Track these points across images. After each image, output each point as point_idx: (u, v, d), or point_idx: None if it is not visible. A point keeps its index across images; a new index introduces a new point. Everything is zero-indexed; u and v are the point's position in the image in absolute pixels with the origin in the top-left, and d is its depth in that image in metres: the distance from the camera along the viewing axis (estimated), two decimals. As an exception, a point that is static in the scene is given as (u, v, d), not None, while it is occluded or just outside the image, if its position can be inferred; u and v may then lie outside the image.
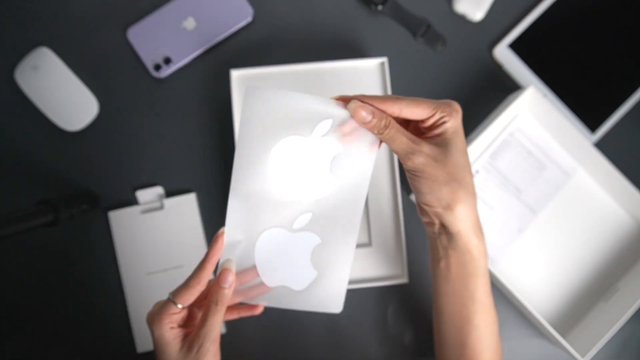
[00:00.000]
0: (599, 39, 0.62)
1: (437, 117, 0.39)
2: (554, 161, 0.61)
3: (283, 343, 0.59)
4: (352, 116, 0.38)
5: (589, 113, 0.61)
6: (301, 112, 0.39)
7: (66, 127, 0.60)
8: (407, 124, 0.43)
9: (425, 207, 0.41)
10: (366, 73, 0.59)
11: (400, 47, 0.62)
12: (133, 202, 0.60)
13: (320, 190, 0.40)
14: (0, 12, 0.62)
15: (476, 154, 0.61)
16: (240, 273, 0.42)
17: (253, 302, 0.43)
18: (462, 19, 0.63)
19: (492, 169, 0.61)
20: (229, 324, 0.59)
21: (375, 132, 0.39)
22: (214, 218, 0.60)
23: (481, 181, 0.60)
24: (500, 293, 0.60)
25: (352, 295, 0.59)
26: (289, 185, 0.40)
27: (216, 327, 0.40)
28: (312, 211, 0.41)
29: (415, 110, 0.39)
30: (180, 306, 0.41)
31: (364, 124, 0.38)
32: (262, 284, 0.42)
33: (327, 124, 0.39)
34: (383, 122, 0.38)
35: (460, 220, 0.40)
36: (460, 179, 0.39)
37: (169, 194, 0.60)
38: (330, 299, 0.42)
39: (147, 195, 0.60)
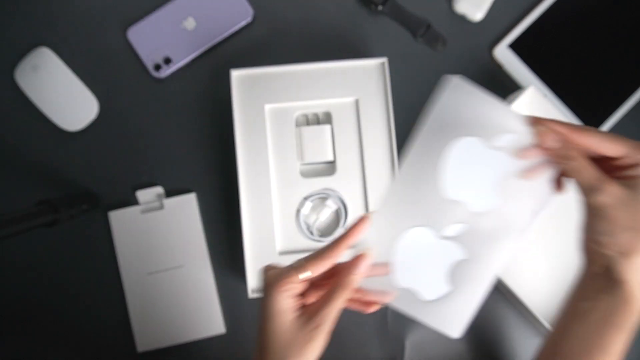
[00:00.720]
0: (599, 39, 0.62)
1: (633, 158, 0.37)
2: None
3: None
4: (538, 139, 0.37)
5: (589, 113, 0.61)
6: (489, 118, 0.37)
7: (66, 127, 0.60)
8: (594, 160, 0.39)
9: (596, 247, 0.38)
10: (366, 73, 0.59)
11: (400, 47, 0.63)
12: (133, 202, 0.60)
13: (482, 203, 0.38)
14: (0, 11, 0.62)
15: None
16: (373, 264, 0.39)
17: (375, 297, 0.40)
18: (462, 19, 0.63)
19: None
20: (231, 323, 0.59)
21: (559, 160, 0.37)
22: (214, 218, 0.60)
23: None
24: (500, 293, 0.60)
25: (352, 295, 0.59)
26: (455, 185, 0.38)
27: (336, 309, 0.37)
28: (467, 223, 0.38)
29: (609, 146, 0.37)
30: (306, 274, 0.38)
31: (548, 150, 0.37)
32: (388, 281, 0.40)
33: (509, 138, 0.37)
34: (569, 152, 0.36)
35: (635, 270, 0.36)
36: None
37: (169, 194, 0.60)
38: (453, 321, 0.39)
39: (147, 195, 0.60)
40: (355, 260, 0.38)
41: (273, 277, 0.38)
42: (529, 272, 0.60)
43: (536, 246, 0.60)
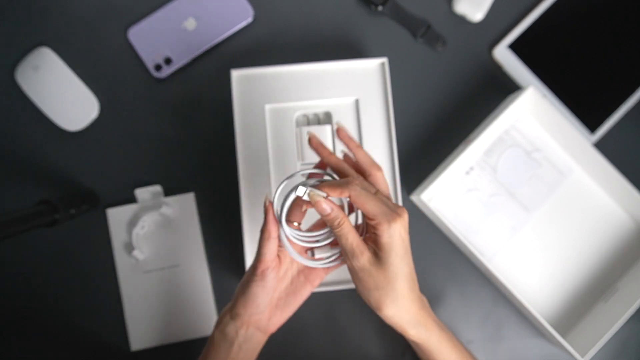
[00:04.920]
0: (598, 40, 0.62)
1: (377, 222, 0.41)
2: (550, 161, 0.61)
3: (283, 343, 0.59)
4: (314, 205, 0.41)
5: (588, 113, 0.61)
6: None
7: (67, 127, 0.60)
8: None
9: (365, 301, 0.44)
10: (366, 73, 0.60)
11: (401, 48, 0.63)
12: (133, 201, 0.60)
13: None
14: (1, 11, 0.62)
15: (476, 154, 0.61)
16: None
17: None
18: (462, 20, 0.63)
19: (486, 165, 0.61)
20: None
21: (329, 224, 0.42)
22: (213, 218, 0.60)
23: (475, 178, 0.60)
24: (500, 293, 0.60)
25: (352, 295, 0.59)
26: None
27: (263, 251, 0.44)
28: None
29: (364, 207, 0.41)
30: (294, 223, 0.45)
31: (323, 215, 0.41)
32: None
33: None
34: (337, 221, 0.41)
35: (389, 318, 0.43)
36: (387, 288, 0.42)
37: (168, 193, 0.60)
38: None
39: (146, 193, 0.60)
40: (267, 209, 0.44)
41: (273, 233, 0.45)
42: (529, 272, 0.60)
43: (536, 246, 0.60)
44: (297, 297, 0.47)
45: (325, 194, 0.41)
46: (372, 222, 0.41)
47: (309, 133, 0.45)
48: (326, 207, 0.41)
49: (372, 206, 0.41)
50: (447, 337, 0.47)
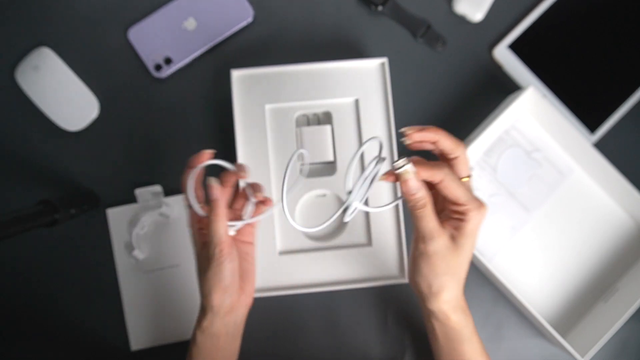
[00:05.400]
0: (598, 40, 0.62)
1: (467, 209, 0.41)
2: (550, 161, 0.61)
3: (282, 342, 0.59)
4: (402, 182, 0.40)
5: (588, 113, 0.61)
6: None
7: (67, 127, 0.60)
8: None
9: (416, 285, 0.45)
10: (366, 73, 0.60)
11: (401, 48, 0.63)
12: (133, 201, 0.60)
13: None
14: (1, 11, 0.62)
15: (476, 154, 0.61)
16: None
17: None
18: (462, 20, 0.63)
19: (486, 165, 0.61)
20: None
21: (413, 202, 0.40)
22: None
23: (475, 178, 0.61)
24: (500, 293, 0.60)
25: (352, 295, 0.60)
26: None
27: (217, 234, 0.44)
28: None
29: (454, 193, 0.40)
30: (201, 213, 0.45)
31: (408, 193, 0.40)
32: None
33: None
34: (422, 202, 0.40)
35: (441, 302, 0.44)
36: (456, 272, 0.43)
37: (168, 193, 0.60)
38: None
39: (146, 193, 0.60)
40: (209, 190, 0.44)
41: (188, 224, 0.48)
42: (528, 272, 0.60)
43: (536, 246, 0.60)
44: (249, 260, 0.49)
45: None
46: (461, 208, 0.41)
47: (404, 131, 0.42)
48: (415, 185, 0.40)
49: (462, 193, 0.41)
50: (476, 330, 0.48)
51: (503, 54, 0.62)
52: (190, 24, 0.62)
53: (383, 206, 0.43)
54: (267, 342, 0.59)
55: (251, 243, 0.50)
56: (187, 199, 0.45)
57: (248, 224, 0.49)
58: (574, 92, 0.62)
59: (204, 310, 0.46)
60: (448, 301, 0.44)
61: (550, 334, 0.54)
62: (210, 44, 0.61)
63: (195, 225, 0.47)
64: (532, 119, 0.61)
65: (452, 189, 0.40)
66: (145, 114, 0.62)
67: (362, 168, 0.57)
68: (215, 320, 0.46)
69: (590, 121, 0.61)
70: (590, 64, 0.62)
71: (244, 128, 0.59)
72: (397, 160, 0.40)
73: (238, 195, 0.50)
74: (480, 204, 0.41)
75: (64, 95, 0.60)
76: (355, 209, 0.41)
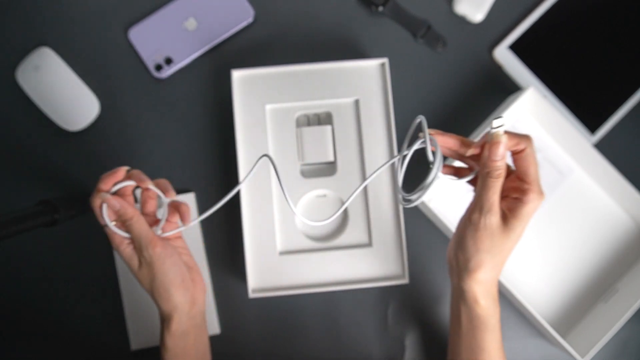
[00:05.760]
0: (599, 40, 0.62)
1: (530, 189, 0.40)
2: (551, 161, 0.61)
3: (282, 343, 0.59)
4: (491, 145, 0.39)
5: (588, 114, 0.61)
6: None
7: (67, 127, 0.60)
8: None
9: (454, 261, 0.44)
10: (366, 74, 0.60)
11: (401, 48, 0.63)
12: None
13: None
14: (2, 11, 0.62)
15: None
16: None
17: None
18: (462, 20, 0.63)
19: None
20: (226, 324, 0.59)
21: (489, 170, 0.40)
22: (213, 218, 0.60)
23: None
24: (500, 293, 0.60)
25: (352, 295, 0.60)
26: None
27: (141, 234, 0.45)
28: None
29: (529, 168, 0.40)
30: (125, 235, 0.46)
31: (492, 158, 0.39)
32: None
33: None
34: (499, 171, 0.40)
35: (474, 282, 0.43)
36: (498, 254, 0.42)
37: (169, 193, 0.60)
38: None
39: (148, 195, 0.60)
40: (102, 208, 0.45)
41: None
42: (528, 273, 0.60)
43: (536, 247, 0.60)
44: (184, 253, 0.49)
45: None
46: (524, 186, 0.40)
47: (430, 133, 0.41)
48: (502, 152, 0.39)
49: (535, 170, 0.40)
50: (500, 324, 0.47)
51: (503, 55, 0.62)
52: (191, 24, 0.62)
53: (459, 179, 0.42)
54: (267, 342, 0.59)
55: (179, 237, 0.50)
56: (101, 221, 0.45)
57: (166, 220, 0.48)
58: (574, 92, 0.62)
59: (167, 315, 0.47)
60: (482, 282, 0.43)
61: (550, 335, 0.54)
62: (211, 44, 0.61)
63: (121, 244, 0.46)
64: (533, 120, 0.61)
65: (528, 163, 0.40)
66: (145, 114, 0.62)
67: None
68: (182, 318, 0.46)
69: (591, 122, 0.61)
70: (591, 65, 0.62)
71: (244, 128, 0.59)
72: (497, 118, 0.39)
73: (145, 199, 0.49)
74: (542, 191, 0.41)
75: (64, 95, 0.60)
76: (435, 177, 0.40)
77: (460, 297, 0.45)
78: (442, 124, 0.62)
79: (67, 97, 0.60)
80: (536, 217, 0.60)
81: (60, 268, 0.60)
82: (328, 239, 0.58)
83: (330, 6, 0.63)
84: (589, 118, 0.61)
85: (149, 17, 0.62)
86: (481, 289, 0.44)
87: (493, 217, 0.41)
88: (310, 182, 0.58)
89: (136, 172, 0.46)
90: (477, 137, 0.57)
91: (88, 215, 0.59)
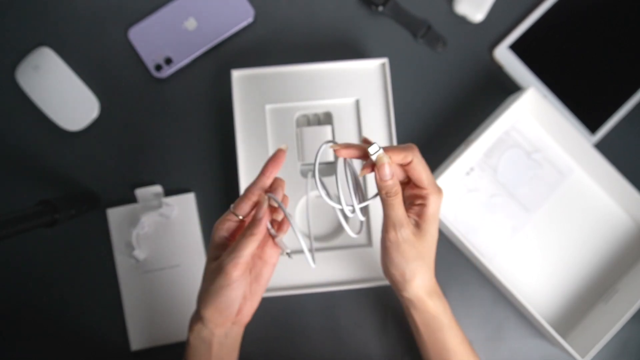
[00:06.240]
0: (599, 41, 0.62)
1: (428, 191, 0.43)
2: (551, 161, 0.61)
3: (282, 343, 0.59)
4: (377, 168, 0.41)
5: (589, 114, 0.61)
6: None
7: (67, 127, 0.60)
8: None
9: (390, 275, 0.46)
10: (367, 74, 0.59)
11: (401, 48, 0.63)
12: (133, 201, 0.60)
13: None
14: (1, 11, 0.62)
15: (477, 155, 0.61)
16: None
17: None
18: (462, 20, 0.63)
19: (486, 166, 0.61)
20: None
21: (384, 192, 0.42)
22: (213, 218, 0.60)
23: (475, 178, 0.60)
24: (500, 293, 0.60)
25: (352, 296, 0.59)
26: None
27: (243, 252, 0.41)
28: None
29: (421, 175, 0.42)
30: (239, 217, 0.43)
31: (382, 180, 0.41)
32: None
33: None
34: (395, 189, 0.42)
35: (415, 288, 0.45)
36: (425, 257, 0.44)
37: (168, 193, 0.60)
38: None
39: (146, 193, 0.60)
40: (258, 207, 0.42)
41: (216, 222, 0.44)
42: (528, 273, 0.60)
43: (536, 247, 0.60)
44: (261, 283, 0.45)
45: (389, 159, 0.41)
46: (423, 192, 0.43)
47: (332, 146, 0.42)
48: (389, 172, 0.41)
49: (427, 175, 0.42)
50: (454, 316, 0.49)
51: (503, 55, 0.62)
52: (191, 24, 0.62)
53: (367, 200, 0.44)
54: (267, 342, 0.59)
55: (273, 265, 0.46)
56: (257, 212, 0.42)
57: (274, 246, 0.45)
58: (574, 92, 0.62)
59: (196, 313, 0.44)
60: (422, 286, 0.45)
61: (551, 335, 0.54)
62: (211, 44, 0.61)
63: (227, 229, 0.43)
64: (533, 120, 0.61)
65: (419, 170, 0.42)
66: (145, 114, 0.62)
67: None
68: (203, 330, 0.44)
69: (591, 122, 0.61)
70: (591, 65, 0.62)
71: (244, 128, 0.59)
72: (371, 145, 0.41)
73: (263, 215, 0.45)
74: (439, 189, 0.44)
75: (64, 95, 0.60)
76: (353, 211, 0.43)
77: (410, 306, 0.47)
78: (443, 124, 0.62)
79: (67, 97, 0.60)
80: (536, 217, 0.60)
81: (60, 268, 0.60)
82: (328, 239, 0.58)
83: (330, 6, 0.63)
84: (589, 118, 0.61)
85: (149, 17, 0.62)
86: (424, 291, 0.46)
87: (406, 229, 0.43)
88: (310, 182, 0.58)
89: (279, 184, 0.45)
90: (477, 137, 0.57)
91: (88, 215, 0.59)
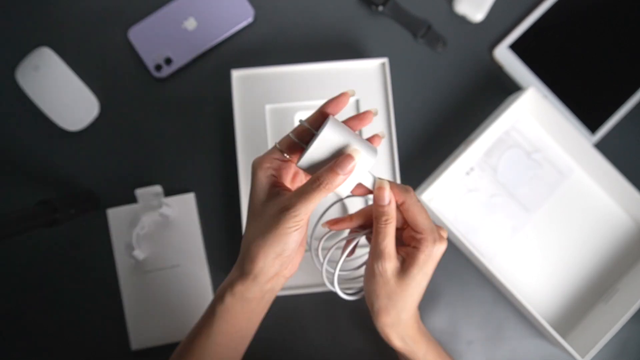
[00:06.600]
0: (599, 40, 0.62)
1: (424, 237, 0.40)
2: (551, 161, 0.61)
3: (282, 342, 0.59)
4: (376, 190, 0.39)
5: (589, 114, 0.61)
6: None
7: (67, 127, 0.60)
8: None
9: (368, 302, 0.44)
10: (367, 73, 0.59)
11: (401, 48, 0.63)
12: (133, 201, 0.60)
13: None
14: (2, 12, 0.62)
15: (477, 155, 0.61)
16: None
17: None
18: (462, 20, 0.63)
19: (486, 166, 0.61)
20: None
21: (379, 216, 0.40)
22: (213, 218, 0.60)
23: (475, 178, 0.60)
24: (500, 293, 0.60)
25: (352, 296, 0.60)
26: None
27: (311, 202, 0.38)
28: None
29: (415, 218, 0.40)
30: (285, 156, 0.41)
31: (379, 203, 0.40)
32: None
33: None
34: (389, 217, 0.40)
35: (381, 324, 0.43)
36: (399, 301, 0.42)
37: (168, 193, 0.60)
38: None
39: (146, 193, 0.60)
40: (342, 161, 0.38)
41: (258, 159, 0.41)
42: (528, 273, 0.60)
43: (536, 247, 0.60)
44: (305, 228, 0.42)
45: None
46: (418, 236, 0.41)
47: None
48: (387, 197, 0.39)
49: (423, 219, 0.40)
50: (433, 347, 0.47)
51: (503, 54, 0.62)
52: (191, 24, 0.62)
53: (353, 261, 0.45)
54: (267, 342, 0.59)
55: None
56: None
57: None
58: (574, 92, 0.62)
59: (242, 272, 0.40)
60: (390, 325, 0.43)
61: (551, 335, 0.54)
62: (211, 44, 0.61)
63: (275, 168, 0.41)
64: (533, 120, 0.61)
65: (412, 213, 0.40)
66: (145, 114, 0.62)
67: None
68: (253, 286, 0.40)
69: (591, 122, 0.61)
70: (591, 65, 0.62)
71: (244, 128, 0.59)
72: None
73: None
74: (438, 237, 0.41)
75: (64, 95, 0.60)
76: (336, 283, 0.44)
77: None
78: (443, 123, 0.62)
79: (67, 97, 0.60)
80: (536, 217, 0.60)
81: (60, 268, 0.60)
82: (328, 239, 0.58)
83: (330, 6, 0.63)
84: (589, 118, 0.61)
85: (149, 17, 0.62)
86: (390, 330, 0.43)
87: (386, 264, 0.40)
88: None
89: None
90: (477, 137, 0.57)
91: (88, 215, 0.59)
